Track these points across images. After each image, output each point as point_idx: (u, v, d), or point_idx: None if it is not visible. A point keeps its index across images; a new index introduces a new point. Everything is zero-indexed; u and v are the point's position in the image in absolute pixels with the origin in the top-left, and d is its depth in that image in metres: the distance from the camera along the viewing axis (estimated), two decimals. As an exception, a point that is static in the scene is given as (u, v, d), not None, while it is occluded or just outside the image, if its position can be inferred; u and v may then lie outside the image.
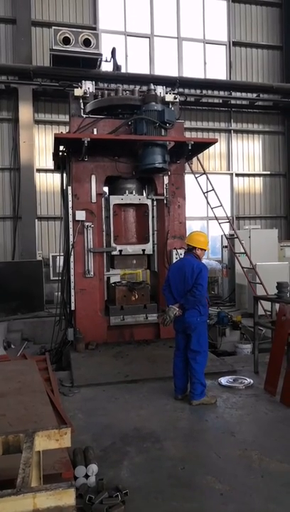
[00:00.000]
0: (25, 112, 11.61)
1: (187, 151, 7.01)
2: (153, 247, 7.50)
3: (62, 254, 11.71)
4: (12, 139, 12.00)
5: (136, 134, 6.76)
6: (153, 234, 7.47)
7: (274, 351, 4.94)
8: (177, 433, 3.83)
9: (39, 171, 12.25)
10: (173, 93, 7.45)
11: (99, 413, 4.29)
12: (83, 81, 7.28)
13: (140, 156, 6.84)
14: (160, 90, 7.38)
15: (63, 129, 12.42)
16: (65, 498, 1.83)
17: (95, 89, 7.34)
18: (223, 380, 5.16)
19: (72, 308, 7.06)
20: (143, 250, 7.36)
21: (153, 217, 7.46)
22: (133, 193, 7.36)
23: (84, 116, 6.99)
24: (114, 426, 3.96)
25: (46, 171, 12.35)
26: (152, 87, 7.07)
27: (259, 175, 14.33)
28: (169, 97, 7.30)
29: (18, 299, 10.27)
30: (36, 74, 11.39)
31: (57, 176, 12.30)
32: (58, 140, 6.70)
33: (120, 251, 7.22)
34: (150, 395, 4.79)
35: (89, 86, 7.19)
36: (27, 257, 11.45)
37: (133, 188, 7.41)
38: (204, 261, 6.51)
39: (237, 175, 14.09)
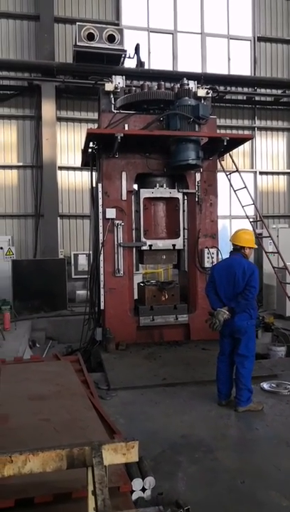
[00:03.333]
0: (48, 109, 11.51)
1: (220, 148, 6.80)
2: (184, 242, 7.30)
3: (85, 252, 11.83)
4: (34, 137, 11.90)
5: (169, 130, 6.57)
6: (183, 229, 7.27)
7: None
8: (228, 442, 3.64)
9: (61, 168, 12.14)
10: (205, 88, 7.22)
11: (141, 418, 4.12)
12: (113, 76, 7.10)
13: (172, 153, 6.64)
14: (191, 85, 7.18)
15: (85, 127, 12.25)
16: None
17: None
18: (265, 385, 4.94)
19: (102, 307, 6.91)
20: (174, 245, 7.16)
21: (183, 211, 7.26)
22: (164, 186, 7.16)
23: (115, 111, 6.81)
24: (159, 433, 3.77)
25: (68, 168, 12.26)
26: (185, 81, 6.87)
27: (284, 173, 14.03)
28: (201, 92, 7.08)
29: (41, 297, 10.18)
30: (59, 71, 11.29)
31: (79, 173, 12.24)
32: (89, 136, 6.54)
33: (150, 246, 7.03)
34: (191, 399, 4.60)
35: (119, 81, 7.01)
36: (48, 255, 11.37)
37: (164, 181, 7.20)
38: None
39: (261, 173, 13.80)
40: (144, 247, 7.03)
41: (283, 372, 5.51)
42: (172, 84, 7.38)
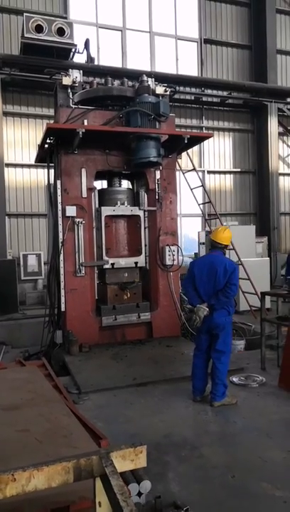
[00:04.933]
0: (-7, 102, 10.92)
1: (180, 146, 6.85)
2: (145, 259, 7.29)
3: (35, 252, 11.43)
4: (-22, 132, 11.23)
5: (129, 127, 6.50)
6: (145, 246, 7.24)
7: (288, 348, 4.89)
8: (210, 438, 3.65)
9: (8, 165, 11.59)
10: (163, 85, 7.23)
11: (120, 420, 4.02)
12: (70, 70, 6.91)
13: (133, 150, 6.58)
14: (150, 82, 7.14)
15: (33, 122, 11.89)
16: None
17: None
18: (235, 379, 5.05)
19: (62, 309, 6.68)
20: (136, 263, 7.10)
21: (145, 228, 7.23)
22: (125, 203, 7.10)
23: (73, 106, 6.61)
24: (141, 434, 3.71)
25: (16, 165, 11.73)
26: (145, 78, 6.82)
27: (230, 172, 14.47)
28: (160, 90, 7.09)
29: (-10, 300, 9.67)
30: (5, 63, 10.73)
31: (27, 170, 11.79)
32: (48, 131, 6.28)
33: (112, 264, 6.91)
34: (165, 398, 4.58)
35: (76, 75, 6.82)
36: (-4, 257, 10.82)
37: (125, 198, 7.16)
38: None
39: (209, 172, 14.14)
40: (106, 266, 6.89)
41: (249, 365, 5.67)
42: (131, 82, 7.29)
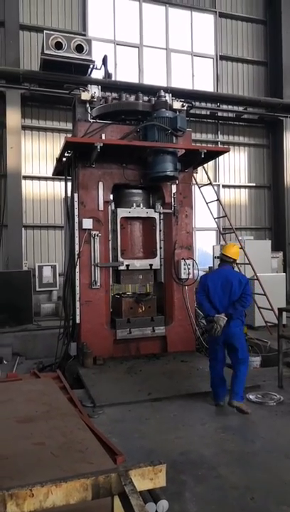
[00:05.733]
0: (13, 117, 11.16)
1: (197, 160, 6.87)
2: (160, 262, 7.27)
3: (50, 264, 11.52)
4: (-2, 145, 11.48)
5: (146, 141, 6.56)
6: (160, 248, 7.24)
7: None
8: (228, 457, 3.56)
9: (25, 178, 11.77)
10: (180, 101, 7.30)
11: (135, 436, 3.96)
12: (89, 85, 7.03)
13: (150, 164, 6.62)
14: (167, 98, 7.22)
15: (51, 136, 12.10)
16: None
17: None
18: (252, 396, 4.95)
19: (77, 321, 6.68)
20: (151, 265, 7.10)
21: (160, 230, 7.24)
22: (141, 205, 7.15)
23: (92, 121, 6.71)
24: (157, 451, 3.64)
25: (33, 178, 11.92)
26: (162, 93, 6.90)
27: (245, 187, 14.45)
28: (177, 105, 7.18)
29: (5, 311, 9.74)
30: (26, 78, 11.01)
31: (44, 183, 11.97)
32: (67, 145, 6.37)
33: (127, 266, 6.93)
34: (181, 414, 4.51)
35: (95, 90, 6.93)
36: (12, 267, 10.92)
37: (141, 200, 7.21)
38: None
39: (224, 186, 14.14)
40: (121, 267, 6.91)
41: (265, 382, 5.55)
42: (147, 97, 7.38)
